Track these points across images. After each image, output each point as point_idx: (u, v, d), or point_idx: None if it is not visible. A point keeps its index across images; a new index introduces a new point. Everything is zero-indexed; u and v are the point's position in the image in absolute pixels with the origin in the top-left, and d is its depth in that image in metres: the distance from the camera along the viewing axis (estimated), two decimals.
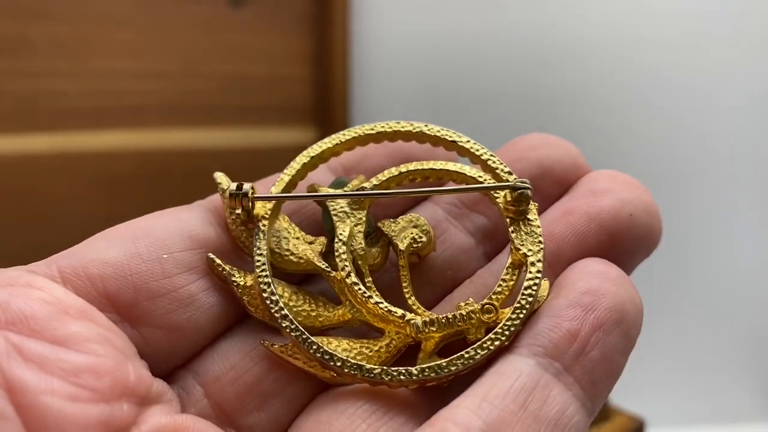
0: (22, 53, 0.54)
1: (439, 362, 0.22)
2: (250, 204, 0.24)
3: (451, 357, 0.22)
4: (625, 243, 0.23)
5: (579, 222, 0.23)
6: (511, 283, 0.23)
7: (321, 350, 0.22)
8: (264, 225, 0.24)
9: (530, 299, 0.22)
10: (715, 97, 0.65)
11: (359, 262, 0.25)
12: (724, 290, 0.68)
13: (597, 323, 0.21)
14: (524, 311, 0.22)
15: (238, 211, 0.24)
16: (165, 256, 0.22)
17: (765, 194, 0.68)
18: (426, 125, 0.25)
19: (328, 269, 0.24)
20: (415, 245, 0.25)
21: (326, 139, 0.26)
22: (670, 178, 0.66)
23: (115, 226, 0.23)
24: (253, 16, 0.58)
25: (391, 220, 0.25)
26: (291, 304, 0.23)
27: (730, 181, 0.67)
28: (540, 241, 0.23)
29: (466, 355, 0.22)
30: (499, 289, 0.23)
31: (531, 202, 0.24)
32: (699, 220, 0.67)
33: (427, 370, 0.22)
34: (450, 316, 0.23)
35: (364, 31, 0.61)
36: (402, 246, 0.25)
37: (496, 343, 0.22)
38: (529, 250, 0.23)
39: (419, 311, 0.24)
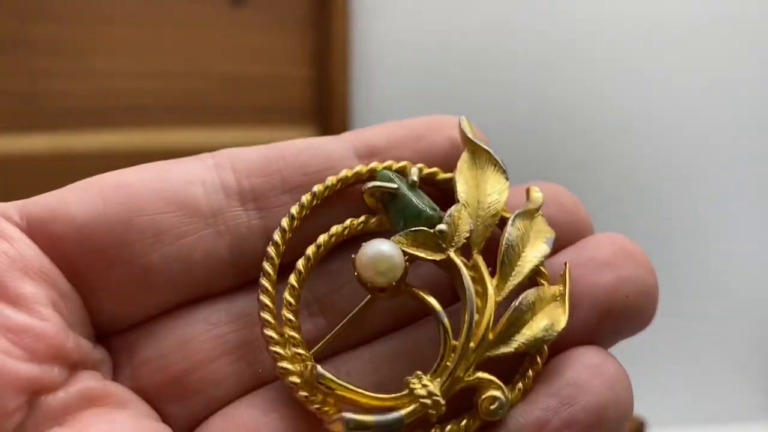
0: (22, 53, 0.54)
1: None
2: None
3: None
4: (612, 324, 0.21)
5: (573, 291, 0.21)
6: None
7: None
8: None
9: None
10: (716, 98, 0.65)
11: None
12: (725, 290, 0.68)
13: (568, 421, 0.19)
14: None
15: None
16: (134, 219, 0.21)
17: (765, 195, 0.68)
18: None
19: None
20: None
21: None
22: (670, 178, 0.66)
23: (101, 176, 0.22)
24: (253, 15, 0.58)
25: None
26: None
27: (730, 180, 0.67)
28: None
29: None
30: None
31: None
32: (699, 220, 0.67)
33: None
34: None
35: (364, 31, 0.61)
36: None
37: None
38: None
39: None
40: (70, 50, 0.54)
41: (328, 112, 0.60)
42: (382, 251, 0.21)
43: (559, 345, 0.21)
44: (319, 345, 0.21)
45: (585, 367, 0.20)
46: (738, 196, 0.68)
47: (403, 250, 0.21)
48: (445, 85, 0.62)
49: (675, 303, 0.67)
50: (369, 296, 0.22)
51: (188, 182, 0.22)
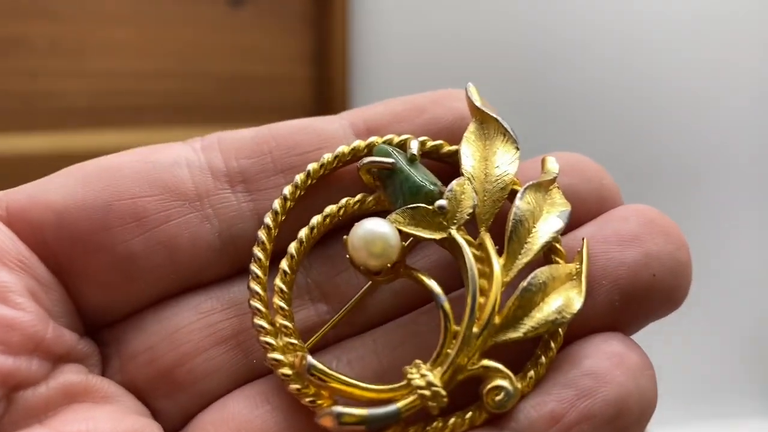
0: (21, 53, 0.53)
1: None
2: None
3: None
4: (638, 307, 0.19)
5: (590, 272, 0.19)
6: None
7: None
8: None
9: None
10: (716, 98, 0.65)
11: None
12: (725, 290, 0.68)
13: (587, 413, 0.18)
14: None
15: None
16: (113, 204, 0.20)
17: (765, 195, 0.68)
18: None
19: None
20: None
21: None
22: (670, 179, 0.66)
23: (86, 162, 0.21)
24: (253, 15, 0.58)
25: None
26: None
27: (730, 182, 0.67)
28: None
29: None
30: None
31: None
32: (699, 221, 0.67)
33: None
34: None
35: (364, 31, 0.61)
36: None
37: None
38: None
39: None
40: (69, 50, 0.54)
41: (327, 111, 0.60)
42: (375, 231, 0.19)
43: (576, 331, 0.19)
44: (316, 336, 0.20)
45: (606, 355, 0.18)
46: (738, 196, 0.68)
47: (400, 230, 0.19)
48: (445, 85, 0.62)
49: None
50: (369, 282, 0.20)
51: (173, 164, 0.21)
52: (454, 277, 0.20)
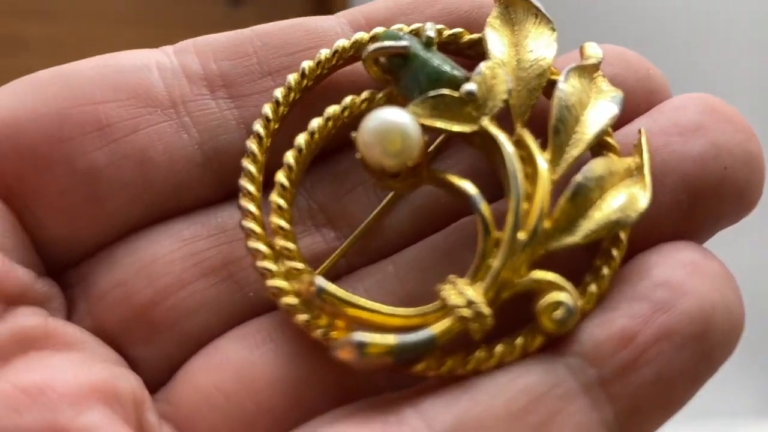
0: (21, 53, 0.54)
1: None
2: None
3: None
4: (709, 206, 0.16)
5: (654, 165, 0.16)
6: None
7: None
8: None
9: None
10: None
11: None
12: None
13: (665, 330, 0.14)
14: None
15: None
16: (70, 111, 0.17)
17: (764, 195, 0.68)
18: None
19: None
20: None
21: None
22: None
23: (37, 72, 0.18)
24: (252, 15, 0.58)
25: None
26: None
27: None
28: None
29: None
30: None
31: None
32: None
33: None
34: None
35: None
36: None
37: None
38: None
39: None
40: (69, 50, 0.54)
41: None
42: (392, 122, 0.15)
43: (640, 239, 0.16)
44: (328, 261, 0.17)
45: (680, 263, 0.15)
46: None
47: (421, 124, 0.16)
48: None
49: None
50: (388, 197, 0.17)
51: (140, 67, 0.18)
52: (492, 188, 0.17)
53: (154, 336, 0.17)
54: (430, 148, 0.17)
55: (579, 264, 0.16)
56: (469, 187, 0.16)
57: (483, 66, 0.16)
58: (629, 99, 0.17)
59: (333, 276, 0.17)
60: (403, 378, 0.15)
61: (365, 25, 0.18)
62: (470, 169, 0.17)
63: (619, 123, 0.17)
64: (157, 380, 0.17)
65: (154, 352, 0.17)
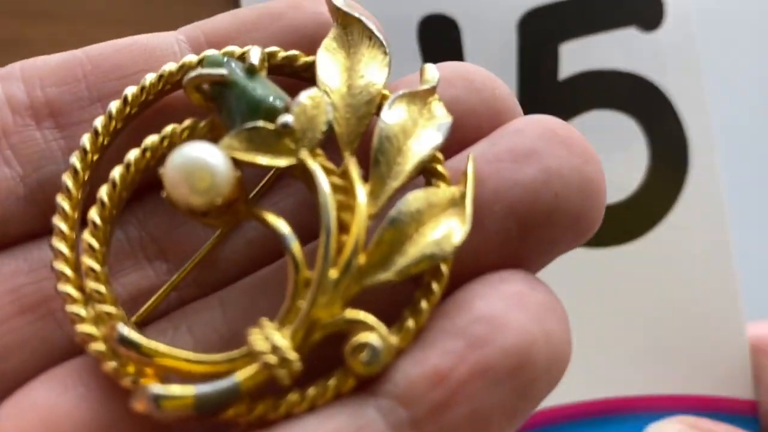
0: (21, 53, 0.54)
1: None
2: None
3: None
4: (541, 234, 0.15)
5: (479, 197, 0.15)
6: None
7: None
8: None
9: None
10: (716, 98, 0.65)
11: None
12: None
13: (480, 366, 0.14)
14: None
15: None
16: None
17: (765, 195, 0.68)
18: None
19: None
20: None
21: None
22: None
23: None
24: None
25: None
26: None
27: (730, 179, 0.67)
28: None
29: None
30: None
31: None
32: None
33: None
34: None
35: None
36: None
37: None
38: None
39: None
40: (69, 50, 0.55)
41: None
42: (198, 159, 0.15)
43: (468, 271, 0.15)
44: (151, 300, 0.16)
45: (503, 295, 0.14)
46: (737, 195, 0.68)
47: (235, 158, 0.15)
48: None
49: None
50: (220, 230, 0.17)
51: None
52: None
53: None
54: (264, 181, 0.17)
55: (405, 298, 0.15)
56: (281, 225, 0.15)
57: (303, 95, 0.15)
58: (472, 121, 0.16)
59: (161, 312, 0.16)
60: (216, 424, 0.15)
61: (204, 42, 0.17)
62: (306, 197, 0.17)
63: (459, 147, 0.16)
64: None
65: None
